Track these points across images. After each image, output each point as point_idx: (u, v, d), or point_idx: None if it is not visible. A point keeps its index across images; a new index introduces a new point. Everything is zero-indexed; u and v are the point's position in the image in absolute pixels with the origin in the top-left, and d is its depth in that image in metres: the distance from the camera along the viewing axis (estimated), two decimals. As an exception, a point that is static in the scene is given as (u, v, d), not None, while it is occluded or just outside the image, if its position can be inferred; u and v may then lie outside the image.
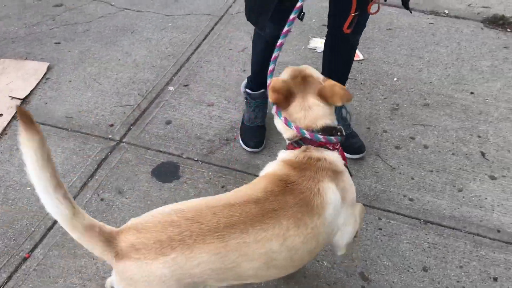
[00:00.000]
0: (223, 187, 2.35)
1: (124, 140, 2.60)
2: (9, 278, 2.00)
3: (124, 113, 2.77)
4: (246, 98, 2.62)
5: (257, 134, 2.56)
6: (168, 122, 2.70)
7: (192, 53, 3.23)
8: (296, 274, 1.96)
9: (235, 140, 2.59)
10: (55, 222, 2.21)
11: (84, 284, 1.98)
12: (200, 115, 2.75)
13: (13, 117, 2.73)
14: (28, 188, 2.34)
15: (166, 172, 2.42)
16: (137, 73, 3.06)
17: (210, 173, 2.42)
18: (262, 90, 2.54)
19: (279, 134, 1.66)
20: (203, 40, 3.36)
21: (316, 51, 3.20)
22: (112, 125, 2.68)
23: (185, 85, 2.95)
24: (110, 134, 2.63)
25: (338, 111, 2.38)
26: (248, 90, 2.58)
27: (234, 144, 2.57)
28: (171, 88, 2.93)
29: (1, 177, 2.41)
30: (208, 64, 3.13)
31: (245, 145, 2.53)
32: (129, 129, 2.66)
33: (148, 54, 3.23)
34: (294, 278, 1.97)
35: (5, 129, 2.67)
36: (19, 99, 2.85)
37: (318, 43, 3.27)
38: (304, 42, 3.32)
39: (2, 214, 2.24)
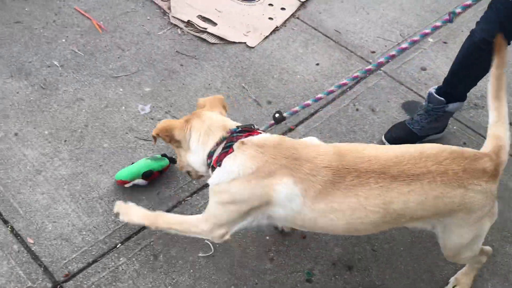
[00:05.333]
0: (461, 142, 2.54)
1: (382, 68, 2.88)
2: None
3: (385, 46, 3.03)
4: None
5: None
6: (423, 69, 2.91)
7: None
8: None
9: None
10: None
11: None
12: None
13: (292, 14, 3.15)
14: (298, 76, 2.77)
15: (413, 109, 2.67)
16: (401, 16, 3.27)
17: (452, 126, 2.62)
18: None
19: None
20: None
21: None
22: (373, 52, 2.98)
23: (444, 42, 3.11)
24: (371, 59, 2.93)
25: None
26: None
27: None
28: (430, 40, 3.11)
29: (278, 60, 2.86)
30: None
31: None
32: (387, 61, 2.92)
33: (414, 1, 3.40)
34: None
35: (285, 22, 3.10)
36: (300, 0, 3.25)
37: None
38: None
39: (277, 88, 2.70)
